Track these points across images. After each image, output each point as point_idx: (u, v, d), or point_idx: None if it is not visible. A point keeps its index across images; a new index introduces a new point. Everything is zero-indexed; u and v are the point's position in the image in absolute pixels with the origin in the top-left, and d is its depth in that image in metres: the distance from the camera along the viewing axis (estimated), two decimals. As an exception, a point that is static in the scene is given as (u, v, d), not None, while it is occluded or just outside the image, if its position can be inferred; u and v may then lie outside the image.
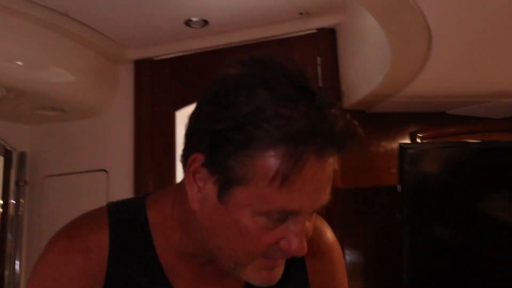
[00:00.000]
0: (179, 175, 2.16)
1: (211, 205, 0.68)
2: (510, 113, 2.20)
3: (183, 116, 2.27)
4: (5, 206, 2.39)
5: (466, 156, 2.08)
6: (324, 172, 0.65)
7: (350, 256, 2.09)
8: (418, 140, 2.20)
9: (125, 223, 0.77)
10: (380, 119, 2.18)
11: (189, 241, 0.75)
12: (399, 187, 1.97)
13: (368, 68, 1.95)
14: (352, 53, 2.09)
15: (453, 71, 1.84)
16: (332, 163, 0.66)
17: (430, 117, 2.22)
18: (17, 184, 2.42)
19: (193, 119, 0.69)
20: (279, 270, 0.73)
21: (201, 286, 0.79)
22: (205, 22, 2.12)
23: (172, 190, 0.79)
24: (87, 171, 2.43)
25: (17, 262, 2.40)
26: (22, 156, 2.46)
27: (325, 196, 0.68)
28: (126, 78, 2.46)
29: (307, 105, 0.62)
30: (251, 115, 0.61)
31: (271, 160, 0.62)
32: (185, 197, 0.71)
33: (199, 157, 0.67)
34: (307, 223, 0.69)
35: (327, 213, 0.81)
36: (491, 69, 1.82)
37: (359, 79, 2.03)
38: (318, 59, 2.17)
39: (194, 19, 2.09)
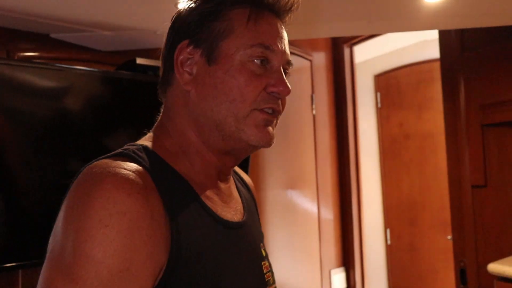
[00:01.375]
0: None
1: (203, 75, 0.84)
2: (111, 46, 2.32)
3: None
4: None
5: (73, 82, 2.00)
6: (279, 27, 0.87)
7: None
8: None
9: (150, 163, 0.78)
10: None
11: (201, 139, 0.86)
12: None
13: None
14: None
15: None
16: (282, 26, 0.89)
17: (34, 37, 2.12)
18: None
19: (170, 30, 0.90)
20: (273, 129, 0.86)
21: (222, 198, 0.89)
22: None
23: (152, 133, 0.91)
24: None
25: None
26: None
27: (287, 53, 0.87)
28: None
29: None
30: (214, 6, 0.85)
31: (242, 11, 0.84)
32: (171, 113, 0.88)
33: (184, 43, 0.85)
34: (288, 84, 0.85)
35: None
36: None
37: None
38: None
39: None
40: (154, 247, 0.70)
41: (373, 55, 4.00)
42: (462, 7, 2.01)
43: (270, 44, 0.84)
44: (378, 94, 4.07)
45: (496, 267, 2.24)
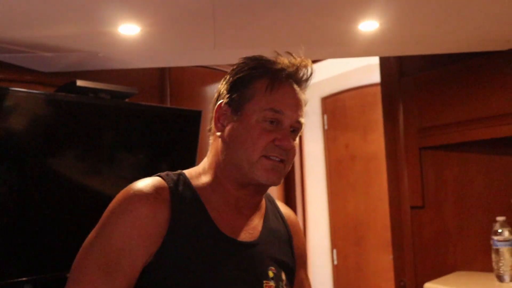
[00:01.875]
0: None
1: (230, 127, 1.10)
2: (53, 68, 2.30)
3: None
4: None
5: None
6: (294, 93, 1.12)
7: None
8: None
9: (174, 181, 1.09)
10: None
11: (219, 175, 1.13)
12: None
13: None
14: None
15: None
16: (299, 92, 1.13)
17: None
18: None
19: (216, 92, 1.17)
20: (281, 172, 1.10)
21: (235, 222, 1.12)
22: None
23: (200, 164, 1.19)
24: None
25: None
26: None
27: (299, 116, 1.11)
28: None
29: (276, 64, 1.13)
30: (249, 69, 1.13)
31: (264, 82, 1.10)
32: (209, 152, 1.17)
33: (221, 103, 1.13)
34: (292, 141, 1.10)
35: None
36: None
37: None
38: None
39: None
40: (147, 238, 0.99)
41: (320, 78, 4.10)
42: (396, 36, 2.10)
43: (280, 109, 1.09)
44: (325, 116, 4.16)
45: (432, 286, 2.31)
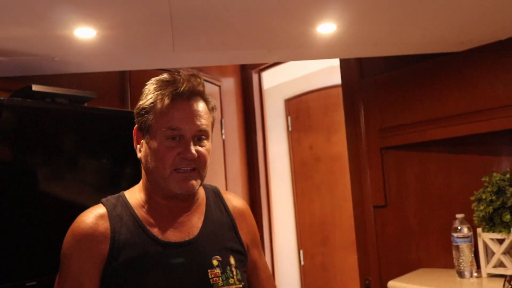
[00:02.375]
0: None
1: (144, 149, 1.28)
2: (6, 72, 2.23)
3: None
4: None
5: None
6: (187, 107, 1.25)
7: None
8: None
9: (113, 204, 1.30)
10: None
11: (149, 191, 1.30)
12: None
13: None
14: None
15: None
16: (194, 103, 1.27)
17: None
18: None
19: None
20: (194, 182, 1.26)
21: (170, 227, 1.29)
22: None
23: (139, 182, 1.37)
24: None
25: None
26: None
27: (199, 125, 1.25)
28: None
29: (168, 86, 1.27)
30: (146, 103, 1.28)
31: (159, 104, 1.25)
32: (143, 176, 1.33)
33: (136, 129, 1.32)
34: (198, 147, 1.25)
35: None
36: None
37: None
38: None
39: None
40: (96, 258, 1.21)
41: (283, 80, 4.12)
42: (353, 38, 2.12)
43: (176, 126, 1.24)
44: (289, 118, 4.18)
45: (395, 284, 2.34)
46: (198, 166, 1.26)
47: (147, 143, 1.27)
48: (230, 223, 1.39)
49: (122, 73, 2.76)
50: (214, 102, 1.35)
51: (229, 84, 3.46)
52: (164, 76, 1.30)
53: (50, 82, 2.20)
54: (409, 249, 2.66)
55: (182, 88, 1.25)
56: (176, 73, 1.30)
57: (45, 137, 2.18)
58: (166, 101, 1.25)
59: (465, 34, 2.15)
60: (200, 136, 1.26)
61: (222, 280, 1.28)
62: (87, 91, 2.32)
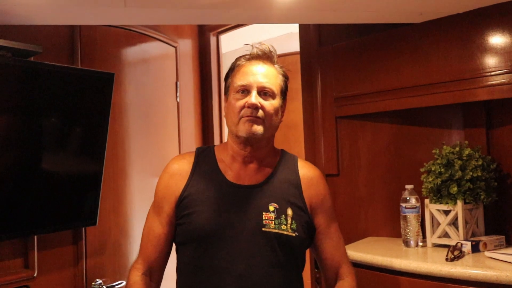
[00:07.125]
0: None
1: (226, 106, 1.57)
2: None
3: None
4: None
5: None
6: (256, 67, 1.52)
7: None
8: None
9: (202, 151, 1.63)
10: None
11: (229, 141, 1.59)
12: None
13: None
14: None
15: None
16: (263, 65, 1.54)
17: None
18: None
19: None
20: (257, 127, 1.48)
21: (241, 172, 1.56)
22: None
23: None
24: None
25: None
26: None
27: (263, 82, 1.50)
28: None
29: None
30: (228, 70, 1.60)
31: (235, 70, 1.56)
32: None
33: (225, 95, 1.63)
34: (262, 100, 1.49)
35: None
36: None
37: None
38: None
39: None
40: (176, 184, 1.55)
41: (242, 45, 4.03)
42: (313, 2, 2.08)
43: (244, 81, 1.50)
44: (247, 84, 4.12)
45: (342, 251, 2.37)
46: (262, 116, 1.48)
47: (226, 100, 1.57)
48: (296, 182, 1.59)
49: (72, 28, 2.63)
50: (286, 72, 1.62)
51: (186, 45, 3.36)
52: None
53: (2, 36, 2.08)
54: (358, 218, 2.69)
55: (253, 53, 1.55)
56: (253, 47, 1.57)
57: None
58: (240, 64, 1.55)
59: (424, 5, 2.13)
60: (264, 91, 1.50)
61: (275, 224, 1.48)
62: (32, 45, 2.20)
